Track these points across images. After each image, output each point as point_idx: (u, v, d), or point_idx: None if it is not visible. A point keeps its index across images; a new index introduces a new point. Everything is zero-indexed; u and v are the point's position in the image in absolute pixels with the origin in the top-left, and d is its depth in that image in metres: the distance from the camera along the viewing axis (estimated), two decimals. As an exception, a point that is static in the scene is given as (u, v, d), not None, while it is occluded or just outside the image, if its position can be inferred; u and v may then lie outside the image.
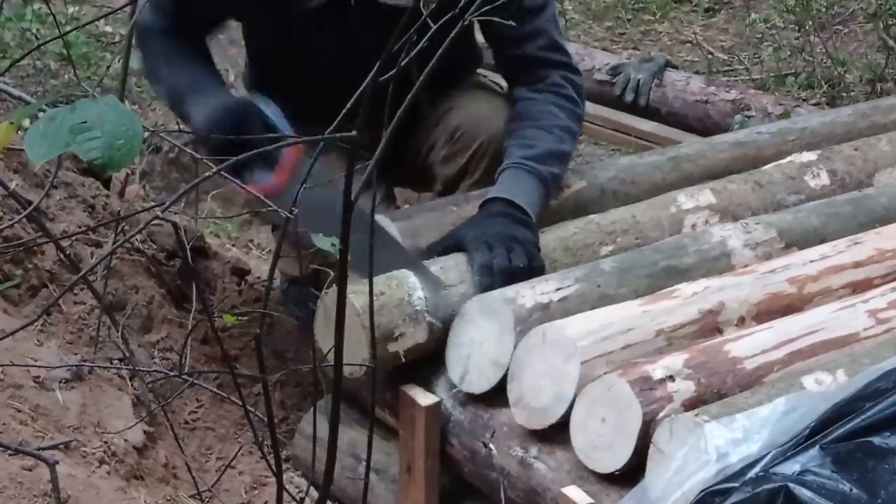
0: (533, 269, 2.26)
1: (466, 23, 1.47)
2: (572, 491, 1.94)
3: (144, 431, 2.34)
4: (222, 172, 1.45)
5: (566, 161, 2.55)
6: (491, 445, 2.11)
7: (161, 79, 2.64)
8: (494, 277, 2.23)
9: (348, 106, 1.42)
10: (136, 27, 2.71)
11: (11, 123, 1.37)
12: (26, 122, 1.48)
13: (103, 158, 1.26)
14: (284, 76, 2.62)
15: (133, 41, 2.80)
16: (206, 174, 1.45)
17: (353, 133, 1.41)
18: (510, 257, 2.25)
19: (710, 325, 2.14)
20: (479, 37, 2.75)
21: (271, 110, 2.48)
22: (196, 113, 2.52)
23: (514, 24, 2.43)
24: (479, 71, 2.89)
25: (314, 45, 2.55)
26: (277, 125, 2.44)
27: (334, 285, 1.70)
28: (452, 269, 2.28)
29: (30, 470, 1.96)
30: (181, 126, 3.66)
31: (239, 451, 2.53)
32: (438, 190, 2.74)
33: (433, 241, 2.38)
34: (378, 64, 1.38)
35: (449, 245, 2.33)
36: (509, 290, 2.18)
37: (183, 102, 2.58)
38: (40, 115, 1.31)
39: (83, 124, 1.27)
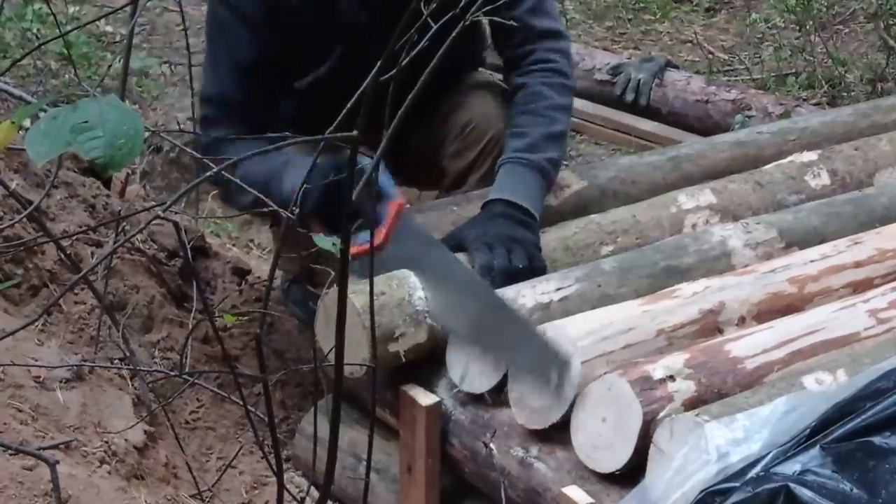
0: (534, 269, 2.26)
1: (468, 23, 1.47)
2: (573, 491, 1.94)
3: (145, 431, 2.34)
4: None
5: (562, 140, 2.55)
6: (491, 445, 2.11)
7: (249, 171, 2.29)
8: (495, 278, 2.23)
9: (348, 106, 1.42)
10: (201, 148, 2.47)
11: (13, 123, 1.37)
12: (27, 122, 1.48)
13: (105, 158, 1.26)
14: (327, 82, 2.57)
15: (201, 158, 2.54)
16: (207, 174, 1.45)
17: (354, 133, 1.41)
18: (511, 258, 2.25)
19: (710, 324, 2.14)
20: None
21: (366, 158, 2.33)
22: (292, 178, 2.35)
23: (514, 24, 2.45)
24: (483, 70, 2.89)
25: (362, 55, 2.49)
26: (384, 184, 2.31)
27: (335, 285, 1.70)
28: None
29: (30, 470, 1.96)
30: (181, 126, 3.66)
31: (239, 450, 2.53)
32: (447, 185, 2.74)
33: None
34: (378, 64, 1.38)
35: (450, 246, 2.33)
36: (510, 290, 2.18)
37: (280, 178, 2.37)
38: (41, 114, 1.31)
39: (84, 123, 1.27)
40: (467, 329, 2.15)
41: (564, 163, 2.64)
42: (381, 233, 2.24)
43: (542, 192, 2.46)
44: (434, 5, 1.45)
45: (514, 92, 2.60)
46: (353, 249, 2.18)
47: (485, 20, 2.60)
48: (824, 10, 5.60)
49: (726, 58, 5.53)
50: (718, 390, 1.94)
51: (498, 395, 2.11)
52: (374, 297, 1.85)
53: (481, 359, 2.10)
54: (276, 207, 1.56)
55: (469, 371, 2.15)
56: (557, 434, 2.02)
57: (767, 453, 1.69)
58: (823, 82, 4.99)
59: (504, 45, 2.64)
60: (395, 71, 1.38)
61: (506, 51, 2.65)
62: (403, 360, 2.19)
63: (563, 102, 2.59)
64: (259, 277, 3.09)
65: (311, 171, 2.14)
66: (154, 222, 2.85)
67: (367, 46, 2.44)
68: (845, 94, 4.89)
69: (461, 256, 2.30)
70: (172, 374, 2.24)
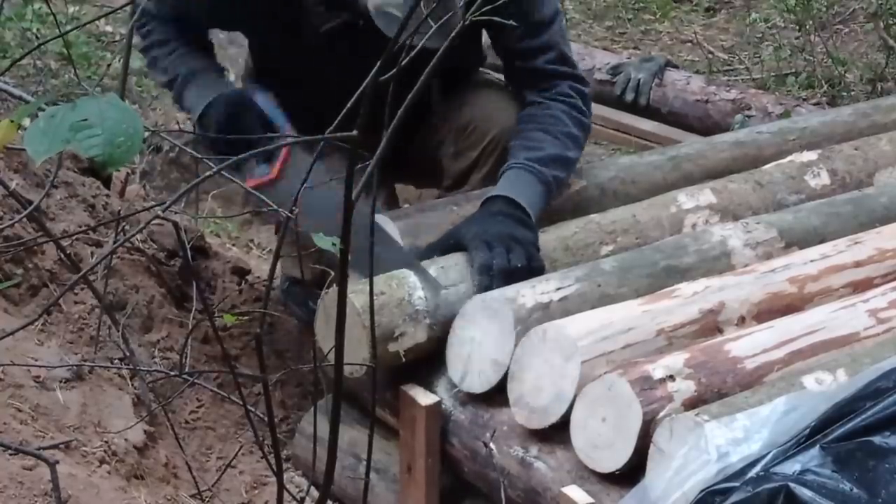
0: (532, 269, 2.26)
1: (467, 23, 1.47)
2: (573, 490, 1.94)
3: (145, 431, 2.33)
4: (225, 173, 1.45)
5: (570, 168, 2.55)
6: (491, 445, 2.11)
7: (162, 68, 2.68)
8: (494, 277, 2.23)
9: (348, 106, 1.42)
10: (139, 10, 2.74)
11: (12, 122, 1.37)
12: (26, 122, 1.48)
13: (103, 156, 1.26)
14: (287, 89, 2.62)
15: (133, 24, 2.86)
16: (207, 174, 1.45)
17: (354, 133, 1.41)
18: (510, 257, 2.25)
19: (710, 324, 2.14)
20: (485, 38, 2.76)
21: (268, 102, 2.51)
22: (195, 104, 2.58)
23: (520, 33, 2.46)
24: (483, 70, 2.89)
25: (323, 65, 2.55)
26: (274, 118, 2.49)
27: (334, 285, 1.70)
28: (452, 268, 2.28)
29: (30, 469, 1.96)
30: (181, 126, 3.66)
31: (239, 450, 2.53)
32: (447, 185, 2.74)
33: (433, 241, 2.38)
34: (378, 64, 1.38)
35: (449, 244, 2.33)
36: (509, 290, 2.18)
37: (182, 92, 2.63)
38: (40, 113, 1.31)
39: (84, 122, 1.27)
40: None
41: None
42: (275, 167, 2.32)
43: (543, 203, 2.45)
44: (434, 5, 1.46)
45: (532, 108, 2.58)
46: (250, 182, 2.36)
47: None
48: (824, 9, 5.60)
49: (726, 57, 5.53)
50: (718, 390, 1.94)
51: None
52: (374, 297, 1.85)
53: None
54: (277, 208, 1.56)
55: (469, 371, 2.15)
56: (557, 434, 2.02)
57: (767, 453, 1.69)
58: (823, 82, 4.98)
59: (522, 85, 2.64)
60: (394, 70, 1.38)
61: (524, 88, 2.63)
62: (403, 359, 2.19)
63: (579, 136, 2.57)
64: (259, 277, 3.09)
65: (208, 107, 2.50)
66: (154, 222, 2.85)
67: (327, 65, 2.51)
68: (845, 93, 4.89)
69: (461, 256, 2.30)
70: (172, 374, 2.24)
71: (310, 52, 2.57)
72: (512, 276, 2.23)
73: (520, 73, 2.63)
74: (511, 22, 1.70)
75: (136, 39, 2.91)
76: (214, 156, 2.24)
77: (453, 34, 1.44)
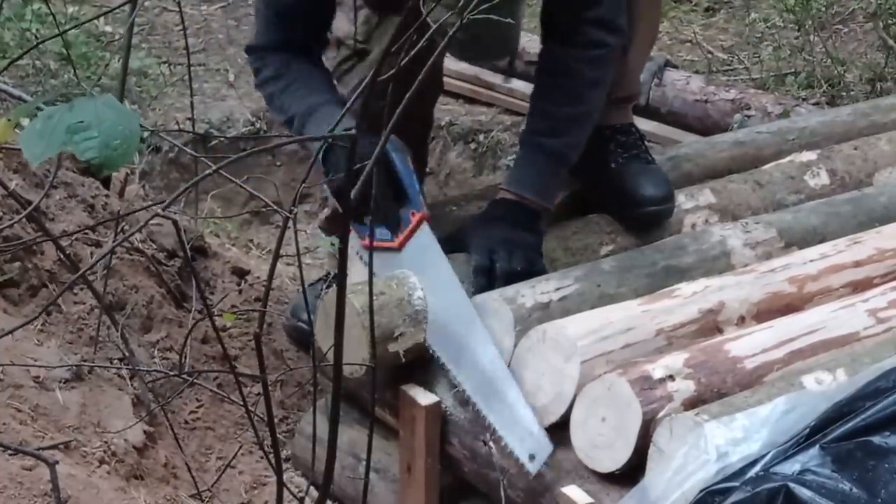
0: (532, 274, 2.26)
1: (465, 21, 1.47)
2: (572, 490, 1.94)
3: (144, 431, 2.33)
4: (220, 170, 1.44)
5: (587, 121, 2.44)
6: (491, 445, 2.11)
7: (278, 106, 2.52)
8: (494, 281, 2.23)
9: (348, 105, 1.42)
10: (246, 49, 2.62)
11: (9, 121, 1.37)
12: (25, 121, 1.48)
13: (100, 158, 1.25)
14: None
15: (252, 70, 2.65)
16: (206, 173, 1.45)
17: (353, 132, 1.41)
18: (511, 260, 2.25)
19: (710, 324, 2.14)
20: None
21: (402, 160, 2.35)
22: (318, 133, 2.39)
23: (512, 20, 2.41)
24: None
25: None
26: (405, 179, 2.32)
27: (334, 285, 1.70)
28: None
29: (30, 470, 1.96)
30: (181, 126, 3.65)
31: (239, 450, 2.53)
32: None
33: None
34: (378, 63, 1.38)
35: (452, 247, 2.33)
36: (509, 290, 2.18)
37: (303, 123, 2.45)
38: (38, 114, 1.31)
39: (80, 123, 1.26)
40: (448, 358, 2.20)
41: None
42: (399, 238, 2.26)
43: (557, 179, 2.42)
44: (434, 5, 1.46)
45: (551, 63, 2.48)
46: (365, 242, 2.23)
47: None
48: (823, 9, 5.60)
49: (725, 57, 5.52)
50: (718, 390, 1.94)
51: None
52: (374, 297, 1.85)
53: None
54: (276, 208, 1.56)
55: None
56: (557, 433, 2.02)
57: (767, 453, 1.69)
58: (823, 82, 4.98)
59: (555, 21, 2.50)
60: (394, 70, 1.38)
61: (559, 32, 2.48)
62: (403, 359, 2.19)
63: (596, 76, 2.43)
64: (258, 277, 3.09)
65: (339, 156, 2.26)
66: (153, 222, 2.85)
67: None
68: (844, 93, 4.88)
69: (462, 257, 2.30)
70: (172, 374, 2.24)
71: None
72: (512, 279, 2.23)
73: (561, 27, 2.47)
74: (509, 20, 1.69)
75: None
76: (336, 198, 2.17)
77: (451, 34, 1.44)
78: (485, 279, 2.24)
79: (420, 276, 2.21)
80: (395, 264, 2.24)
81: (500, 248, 2.27)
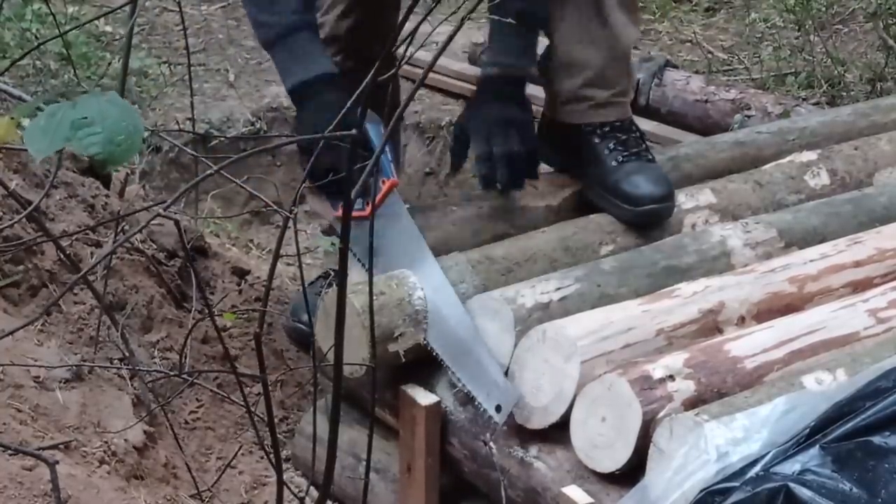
0: (528, 153, 2.37)
1: (467, 21, 1.47)
2: (572, 490, 1.94)
3: (144, 431, 2.33)
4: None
5: None
6: (491, 445, 2.11)
7: (261, 22, 2.49)
8: (495, 164, 2.31)
9: (350, 102, 1.43)
10: None
11: (11, 119, 1.37)
12: (25, 122, 1.48)
13: (103, 154, 1.26)
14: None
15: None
16: (206, 173, 1.45)
17: (353, 132, 1.41)
18: (507, 143, 2.34)
19: (710, 324, 2.14)
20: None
21: (374, 129, 2.39)
22: (287, 73, 2.43)
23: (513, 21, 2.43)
24: None
25: None
26: (383, 161, 2.38)
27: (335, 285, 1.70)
28: (452, 268, 2.28)
29: (30, 470, 1.96)
30: (181, 126, 3.65)
31: (239, 450, 2.53)
32: None
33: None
34: (378, 63, 1.38)
35: (458, 139, 2.44)
36: (509, 290, 2.18)
37: (272, 45, 2.45)
38: (41, 112, 1.31)
39: (84, 119, 1.27)
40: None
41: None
42: (369, 206, 2.30)
43: (532, 37, 2.44)
44: (434, 5, 1.46)
45: None
46: (338, 212, 2.30)
47: None
48: (823, 9, 5.60)
49: (725, 57, 5.52)
50: (718, 390, 1.94)
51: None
52: (374, 297, 1.85)
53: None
54: (276, 208, 1.56)
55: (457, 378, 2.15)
56: (557, 434, 2.02)
57: (767, 453, 1.69)
58: (823, 82, 4.98)
59: None
60: (394, 71, 1.38)
61: None
62: (403, 360, 2.19)
63: None
64: (258, 277, 3.09)
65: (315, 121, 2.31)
66: (153, 222, 2.85)
67: None
68: (844, 93, 4.88)
69: (461, 256, 2.30)
70: (172, 374, 2.24)
71: None
72: (512, 160, 2.33)
73: None
74: (509, 20, 1.69)
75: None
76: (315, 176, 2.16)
77: (452, 34, 1.44)
78: (487, 166, 2.34)
79: (386, 236, 2.24)
80: (362, 230, 2.24)
81: (495, 130, 2.35)
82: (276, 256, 1.66)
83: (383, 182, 2.33)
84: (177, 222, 1.45)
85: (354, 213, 2.27)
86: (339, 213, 2.21)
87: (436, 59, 1.45)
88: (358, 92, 1.41)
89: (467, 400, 2.16)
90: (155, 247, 2.94)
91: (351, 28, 2.74)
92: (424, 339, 2.19)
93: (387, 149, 2.38)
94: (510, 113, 2.40)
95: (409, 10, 1.41)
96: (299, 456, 2.58)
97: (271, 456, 1.77)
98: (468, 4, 1.47)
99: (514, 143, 2.36)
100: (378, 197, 2.32)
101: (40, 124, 1.27)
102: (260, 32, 2.51)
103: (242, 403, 1.73)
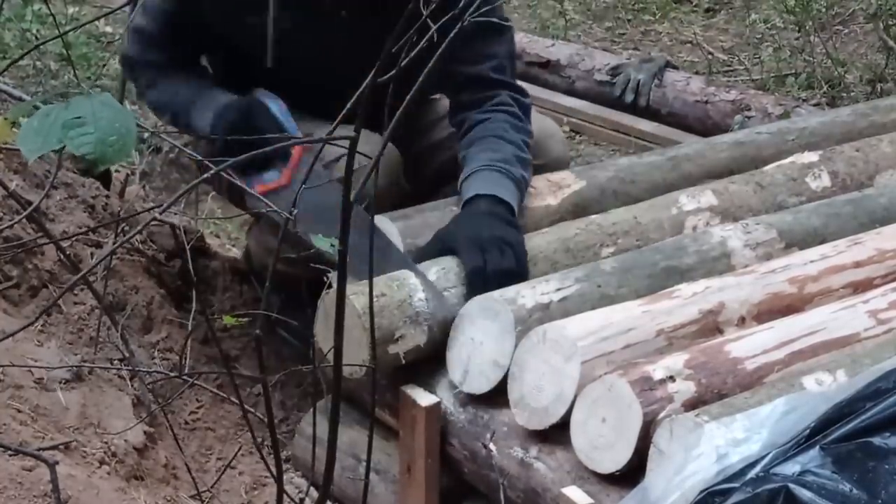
0: (522, 272, 2.27)
1: (465, 23, 1.47)
2: (572, 491, 1.94)
3: (144, 432, 2.33)
4: (228, 173, 1.45)
5: (529, 168, 2.53)
6: (491, 446, 2.11)
7: (163, 103, 2.67)
8: (486, 281, 2.23)
9: (348, 107, 1.42)
10: (122, 60, 2.72)
11: (6, 119, 1.38)
12: (23, 121, 1.48)
13: (95, 153, 1.26)
14: (269, 78, 2.61)
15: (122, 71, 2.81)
16: (207, 174, 1.45)
17: (353, 134, 1.41)
18: (502, 261, 2.25)
19: (710, 325, 2.14)
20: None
21: (278, 107, 2.50)
22: (202, 118, 2.54)
23: (473, 35, 2.45)
24: None
25: (337, 43, 2.53)
26: (284, 123, 2.47)
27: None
28: (451, 271, 2.28)
29: (30, 470, 1.96)
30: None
31: (239, 451, 2.53)
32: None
33: (423, 245, 2.37)
34: (377, 64, 1.38)
35: (439, 249, 2.33)
36: (509, 291, 2.18)
37: (187, 113, 2.59)
38: (35, 112, 1.32)
39: (77, 119, 1.27)
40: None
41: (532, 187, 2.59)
42: (286, 172, 2.32)
43: (519, 200, 2.44)
44: (433, 5, 1.46)
45: (479, 125, 2.55)
46: (259, 188, 2.37)
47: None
48: (824, 10, 5.61)
49: (726, 58, 5.53)
50: (718, 391, 1.94)
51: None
52: (375, 299, 1.85)
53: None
54: (276, 209, 1.56)
55: (469, 372, 2.15)
56: (557, 434, 2.02)
57: (767, 454, 1.69)
58: (823, 83, 4.98)
59: (461, 90, 2.60)
60: (394, 71, 1.38)
61: (463, 94, 2.60)
62: (403, 361, 2.19)
63: (527, 140, 2.56)
64: (259, 278, 3.09)
65: (220, 113, 2.47)
66: (153, 223, 2.85)
67: (340, 39, 2.48)
68: (845, 94, 4.89)
69: (449, 259, 2.29)
70: (172, 374, 2.24)
71: (323, 31, 2.53)
72: (504, 279, 2.23)
73: (462, 83, 2.59)
74: (499, 21, 1.70)
75: (123, 45, 2.86)
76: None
77: (451, 35, 1.44)
78: (480, 282, 2.24)
79: (308, 195, 2.24)
80: (286, 197, 2.26)
81: (490, 246, 2.27)
82: (277, 256, 1.66)
83: (293, 150, 2.40)
84: (173, 226, 1.45)
85: (272, 184, 2.36)
86: (261, 187, 2.37)
87: (436, 58, 1.45)
88: (357, 93, 1.41)
89: (468, 400, 2.16)
90: (155, 247, 2.94)
91: None
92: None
93: (290, 117, 2.48)
94: (507, 232, 2.32)
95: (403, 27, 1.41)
96: (299, 456, 2.58)
97: (270, 458, 1.77)
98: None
99: (508, 262, 2.27)
100: (291, 163, 2.39)
101: (33, 125, 1.27)
102: (178, 119, 2.63)
103: (242, 405, 1.72)
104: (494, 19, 2.48)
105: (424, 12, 1.45)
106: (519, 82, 2.67)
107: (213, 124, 2.49)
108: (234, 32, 2.59)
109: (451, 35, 1.44)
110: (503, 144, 2.50)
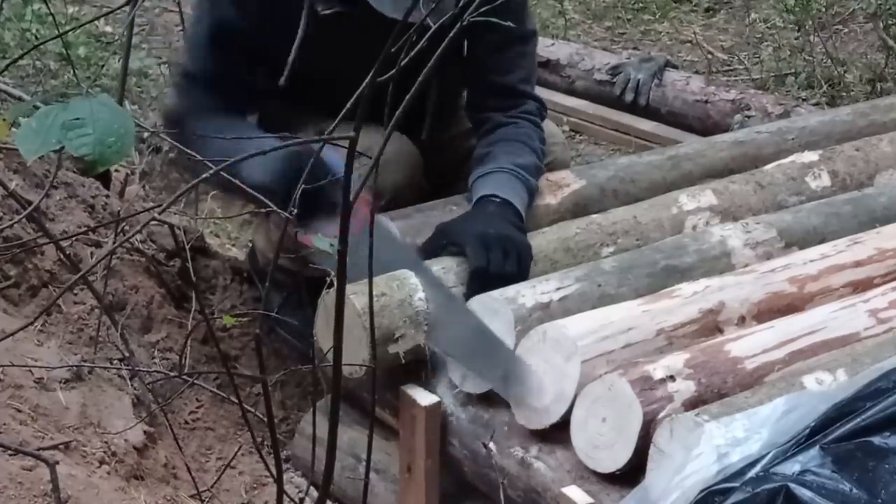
0: (521, 276, 2.27)
1: (465, 23, 1.47)
2: (572, 491, 1.94)
3: (144, 431, 2.33)
4: (227, 172, 1.45)
5: (541, 178, 2.58)
6: (491, 445, 2.11)
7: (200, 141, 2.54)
8: (486, 280, 2.23)
9: (347, 106, 1.42)
10: (167, 116, 2.57)
11: (4, 120, 1.38)
12: (23, 121, 1.48)
13: (93, 154, 1.27)
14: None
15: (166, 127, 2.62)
16: (204, 175, 1.45)
17: (353, 134, 1.41)
18: (505, 262, 2.26)
19: (710, 324, 2.14)
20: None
21: (333, 156, 2.40)
22: (256, 172, 2.32)
23: (501, 43, 2.45)
24: None
25: (325, 49, 2.51)
26: (335, 167, 2.37)
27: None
28: (452, 270, 2.28)
29: (30, 470, 1.96)
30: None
31: (239, 451, 2.53)
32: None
33: (426, 240, 2.37)
34: (376, 65, 1.38)
35: (443, 244, 2.33)
36: (510, 290, 2.18)
37: (239, 169, 2.47)
38: (34, 113, 1.32)
39: (75, 120, 1.27)
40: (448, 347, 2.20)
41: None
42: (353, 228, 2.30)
43: (527, 211, 2.46)
44: (433, 6, 1.46)
45: (505, 128, 2.57)
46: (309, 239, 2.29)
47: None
48: (823, 10, 5.61)
49: (725, 58, 5.53)
50: (718, 390, 1.94)
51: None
52: (375, 298, 1.85)
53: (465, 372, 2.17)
54: (276, 209, 1.56)
55: (469, 371, 2.15)
56: (557, 434, 2.02)
57: (767, 453, 1.69)
58: (823, 82, 4.98)
59: (489, 96, 2.62)
60: (393, 71, 1.38)
61: (490, 100, 2.61)
62: (403, 360, 2.19)
63: (543, 149, 2.59)
64: (259, 278, 3.09)
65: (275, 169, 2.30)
66: (153, 223, 2.85)
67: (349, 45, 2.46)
68: (844, 94, 4.89)
69: (461, 257, 2.30)
70: (172, 374, 2.24)
71: (312, 38, 2.51)
72: (505, 282, 2.23)
73: (490, 90, 2.60)
74: (508, 23, 1.69)
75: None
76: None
77: (452, 33, 1.44)
78: (479, 282, 2.24)
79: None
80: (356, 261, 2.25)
81: (496, 247, 2.27)
82: (277, 256, 1.66)
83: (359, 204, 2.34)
84: (171, 226, 1.45)
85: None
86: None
87: (436, 58, 1.45)
88: (356, 94, 1.41)
89: (468, 400, 2.16)
90: (155, 247, 2.94)
91: None
92: (425, 342, 2.18)
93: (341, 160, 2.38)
94: (514, 235, 2.32)
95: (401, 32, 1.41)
96: (299, 456, 2.58)
97: (270, 457, 1.77)
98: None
99: (511, 266, 2.27)
100: (356, 223, 2.32)
101: (32, 126, 1.28)
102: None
103: (242, 405, 1.72)
104: (527, 26, 2.55)
105: (463, 18, 1.45)
106: (538, 95, 2.69)
107: (267, 175, 2.30)
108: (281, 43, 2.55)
109: (450, 35, 1.44)
110: (528, 152, 2.52)
